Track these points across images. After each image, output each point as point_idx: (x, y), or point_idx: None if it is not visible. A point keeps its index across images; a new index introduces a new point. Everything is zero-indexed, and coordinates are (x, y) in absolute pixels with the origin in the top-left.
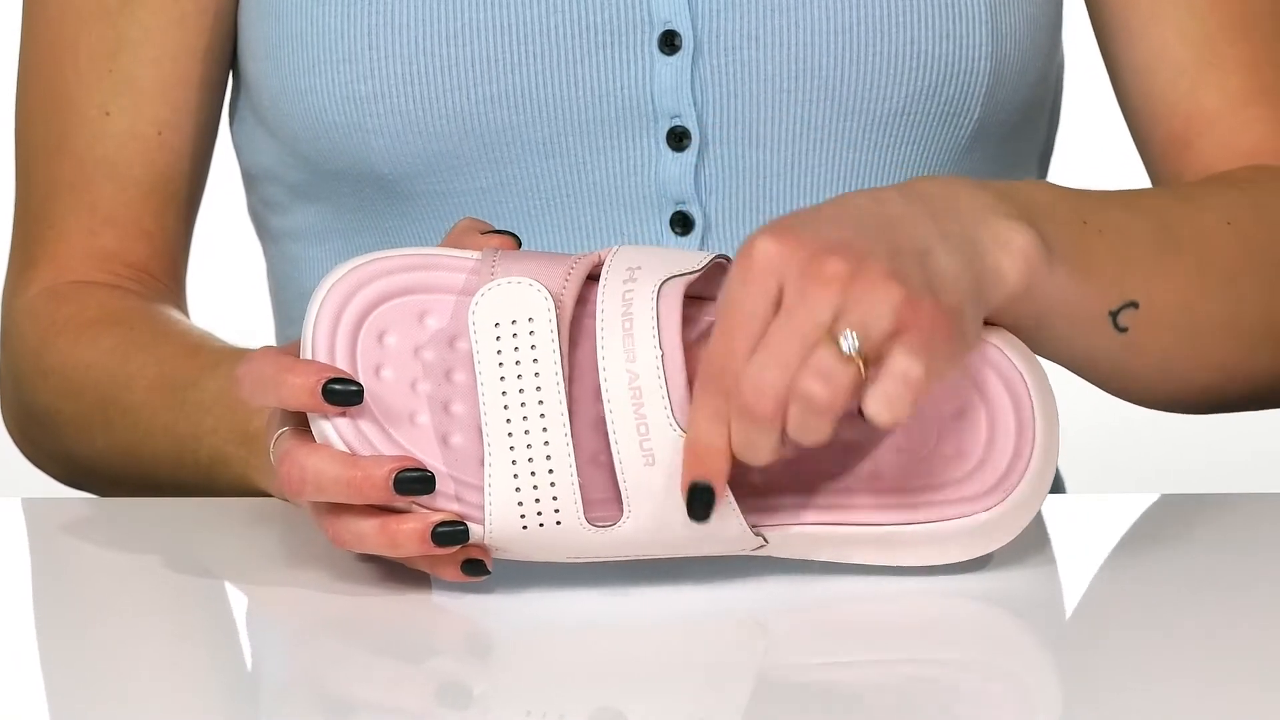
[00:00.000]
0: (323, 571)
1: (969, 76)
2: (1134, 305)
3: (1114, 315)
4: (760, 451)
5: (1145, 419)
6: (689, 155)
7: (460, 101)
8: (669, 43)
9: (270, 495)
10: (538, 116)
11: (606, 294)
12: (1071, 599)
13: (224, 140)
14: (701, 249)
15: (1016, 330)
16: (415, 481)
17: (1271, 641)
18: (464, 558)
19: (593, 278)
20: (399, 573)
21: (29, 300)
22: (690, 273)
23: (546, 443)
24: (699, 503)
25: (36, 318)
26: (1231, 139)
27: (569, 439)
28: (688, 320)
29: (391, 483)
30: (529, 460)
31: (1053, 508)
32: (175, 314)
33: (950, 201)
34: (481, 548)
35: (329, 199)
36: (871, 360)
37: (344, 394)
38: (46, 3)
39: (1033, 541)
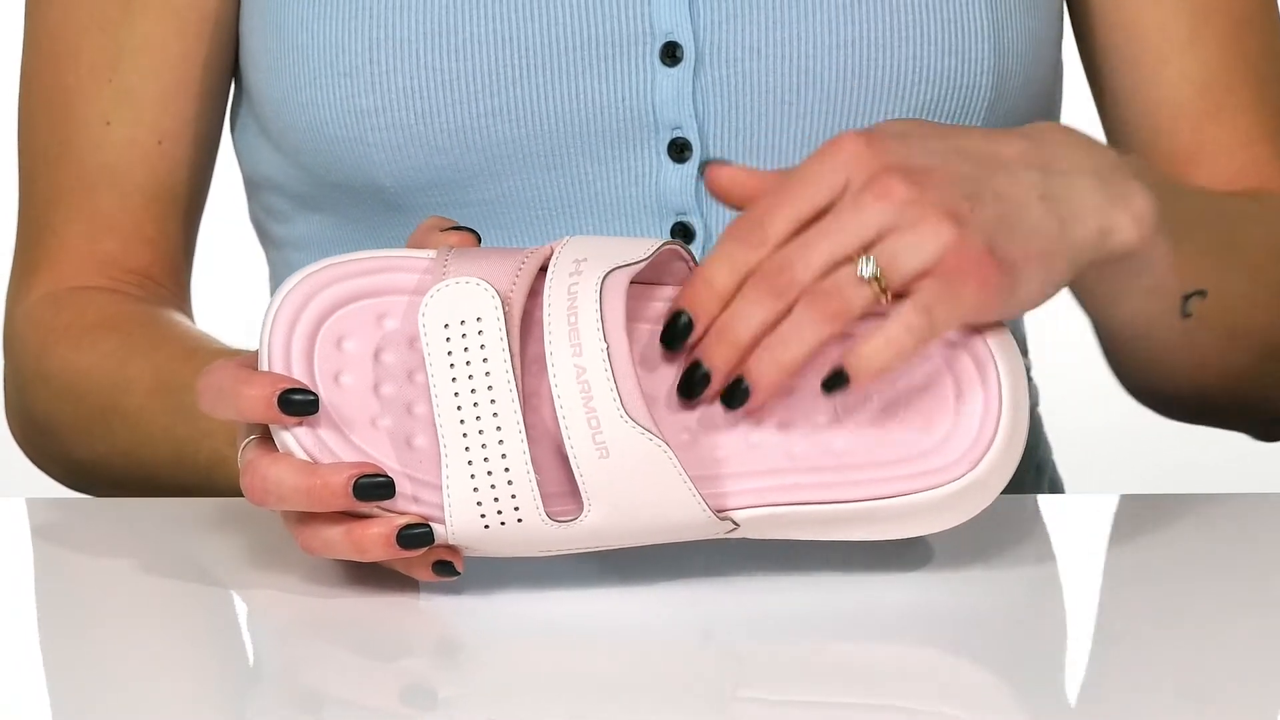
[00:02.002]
0: (323, 571)
1: (971, 90)
2: (1203, 294)
3: (1186, 299)
4: (748, 323)
5: (1145, 419)
6: (690, 167)
7: (462, 115)
8: (670, 54)
9: None
10: (539, 129)
11: (552, 288)
12: (1070, 599)
13: (226, 146)
14: (703, 259)
15: (1095, 292)
16: (375, 487)
17: (1272, 641)
18: (434, 559)
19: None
20: (393, 573)
21: (30, 306)
22: (635, 263)
23: (501, 442)
24: (693, 379)
25: (37, 323)
26: (1238, 175)
27: (524, 440)
28: (637, 308)
29: (351, 489)
30: (485, 460)
31: (1053, 508)
32: (176, 317)
33: (1074, 153)
34: (450, 548)
35: (331, 209)
36: (896, 293)
37: (300, 404)
38: (48, 11)
39: (1032, 541)
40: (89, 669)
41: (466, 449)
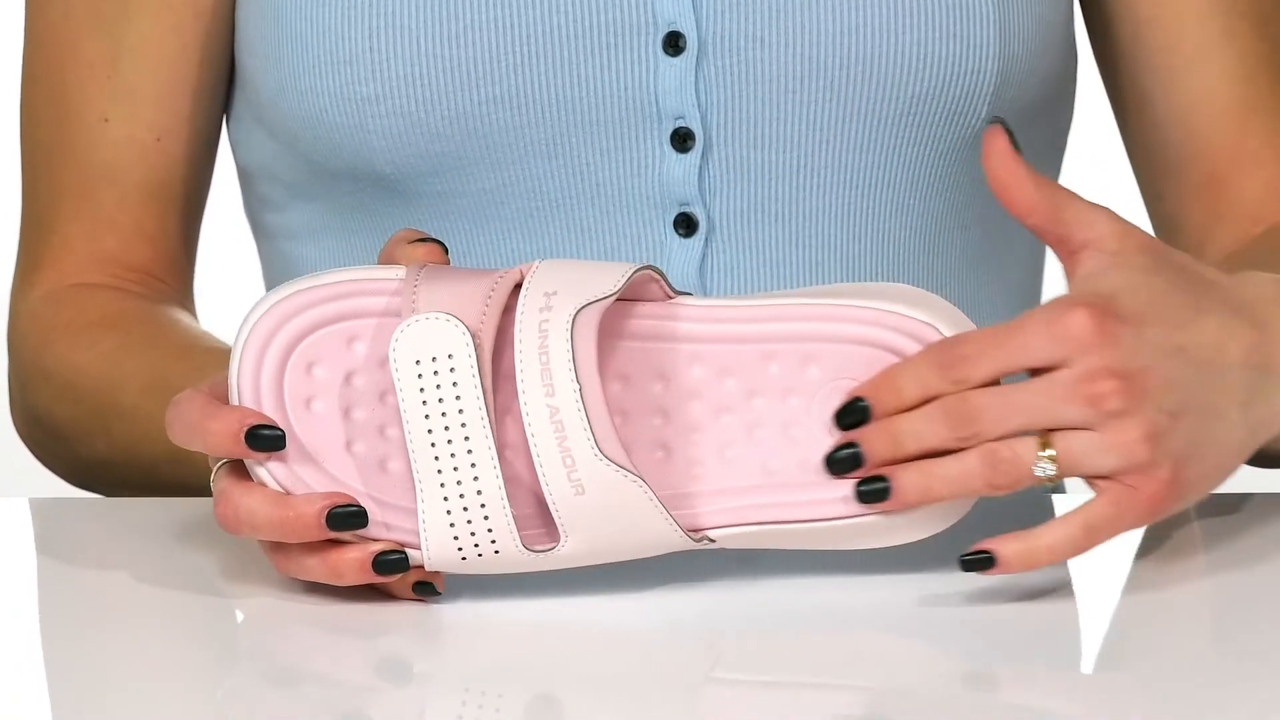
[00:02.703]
0: None
1: (976, 77)
2: None
3: None
4: (918, 439)
5: None
6: (693, 156)
7: (462, 103)
8: (673, 44)
9: None
10: (540, 118)
11: (523, 325)
12: (1069, 599)
13: (221, 139)
14: (705, 250)
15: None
16: (348, 516)
17: (1272, 642)
18: (415, 580)
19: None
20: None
21: (32, 303)
22: (605, 297)
23: (476, 478)
24: (841, 457)
25: (39, 321)
26: (1275, 181)
27: (499, 476)
28: (613, 325)
29: (324, 520)
30: (460, 497)
31: (1053, 507)
32: (176, 314)
33: (1272, 337)
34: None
35: (326, 197)
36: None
37: (267, 439)
38: (47, 10)
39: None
40: (90, 669)
41: (441, 485)
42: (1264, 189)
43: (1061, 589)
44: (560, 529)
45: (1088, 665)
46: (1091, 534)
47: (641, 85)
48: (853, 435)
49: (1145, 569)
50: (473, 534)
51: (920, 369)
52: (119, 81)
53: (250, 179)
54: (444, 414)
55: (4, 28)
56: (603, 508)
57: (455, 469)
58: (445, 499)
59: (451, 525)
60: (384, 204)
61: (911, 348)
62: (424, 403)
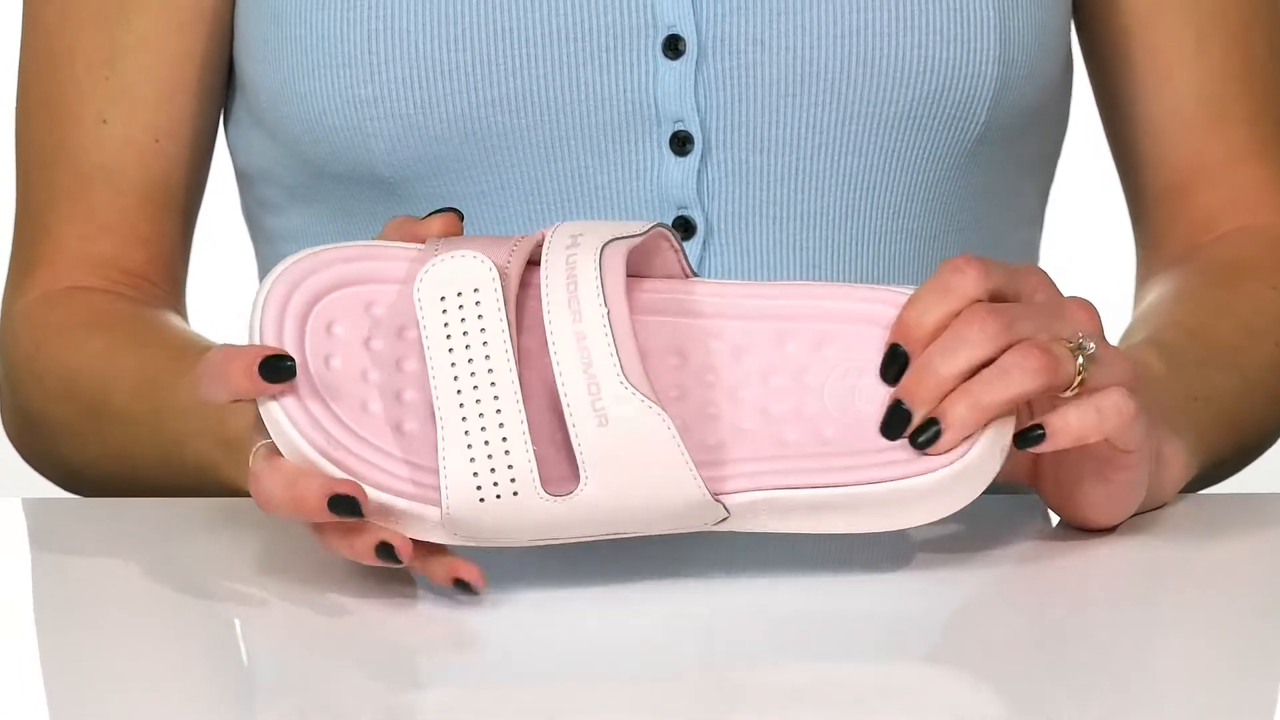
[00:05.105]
0: (320, 572)
1: (975, 81)
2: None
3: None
4: (953, 360)
5: None
6: (691, 160)
7: (461, 105)
8: (673, 47)
9: None
10: (539, 120)
11: (550, 260)
12: (1068, 599)
13: (219, 142)
14: (703, 253)
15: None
16: (346, 502)
17: (1270, 642)
18: (454, 574)
19: (534, 261)
20: (391, 574)
21: (25, 305)
22: (632, 236)
23: (499, 411)
24: (894, 419)
25: (31, 323)
26: (1233, 194)
27: (521, 408)
28: (630, 289)
29: (325, 504)
30: (482, 430)
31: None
32: (166, 317)
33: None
34: (470, 566)
35: (325, 200)
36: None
37: (280, 369)
38: (45, 10)
39: (1031, 541)
40: (85, 669)
41: (464, 419)
42: (1222, 200)
43: (1062, 588)
44: (581, 469)
45: (1088, 665)
46: (1121, 413)
47: (641, 88)
48: (897, 391)
49: (1146, 569)
50: (492, 470)
51: (928, 298)
52: (116, 82)
53: (249, 182)
54: (468, 347)
55: (3, 29)
56: (625, 441)
57: (478, 402)
58: (467, 433)
59: (472, 460)
60: (383, 206)
61: None
62: (448, 337)
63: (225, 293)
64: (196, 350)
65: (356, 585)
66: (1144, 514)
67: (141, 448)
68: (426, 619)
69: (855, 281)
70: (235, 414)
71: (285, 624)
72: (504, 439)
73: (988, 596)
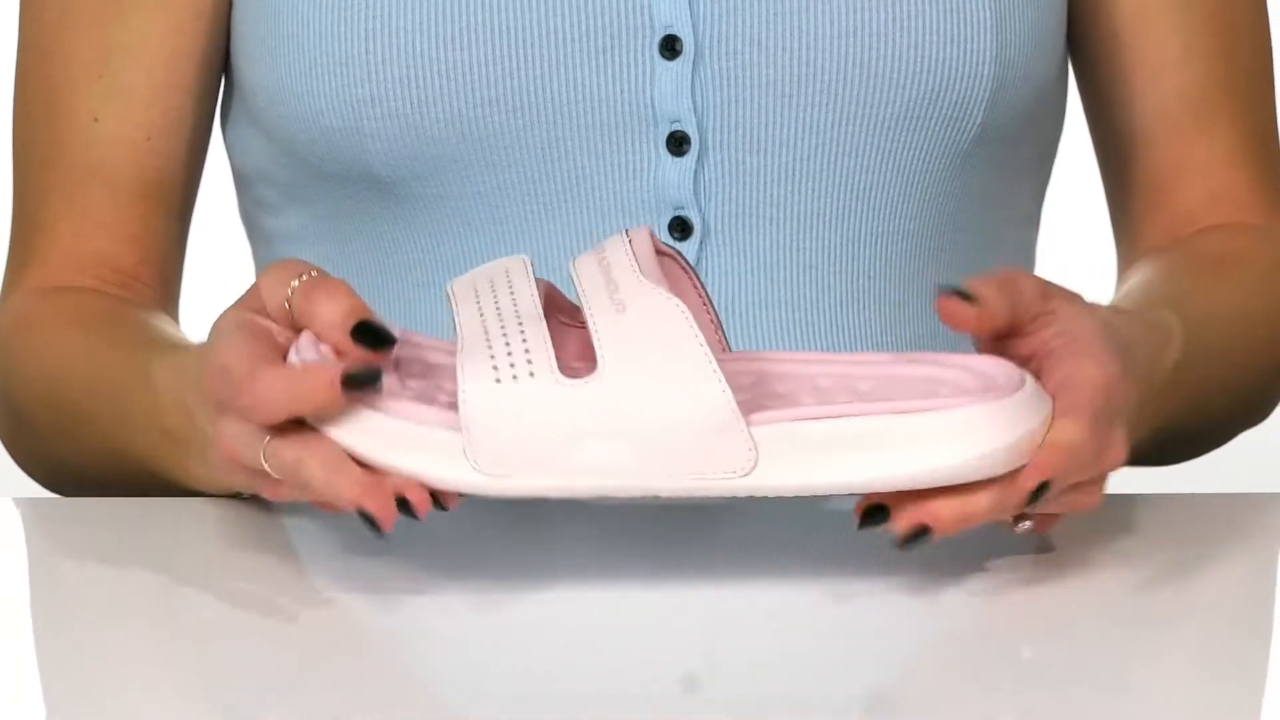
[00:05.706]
0: (316, 571)
1: (972, 82)
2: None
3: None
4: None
5: None
6: (688, 160)
7: (458, 105)
8: (670, 47)
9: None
10: (536, 120)
11: (581, 259)
12: (1069, 599)
13: (216, 143)
14: (700, 254)
15: None
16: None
17: (1269, 643)
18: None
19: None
20: (390, 572)
21: (16, 303)
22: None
23: (512, 293)
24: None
25: (20, 321)
26: (1215, 194)
27: (535, 294)
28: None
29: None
30: (496, 307)
31: None
32: (148, 318)
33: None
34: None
35: (323, 200)
36: None
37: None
38: (42, 8)
39: (1030, 541)
40: (81, 669)
41: (478, 301)
42: (1203, 199)
43: (1060, 591)
44: (599, 357)
45: (1086, 665)
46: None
47: (638, 89)
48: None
49: (1145, 568)
50: (507, 345)
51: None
52: (110, 80)
53: (246, 182)
54: (494, 291)
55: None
56: (642, 327)
57: (493, 287)
58: (482, 315)
59: (486, 333)
60: (380, 206)
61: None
62: (477, 298)
63: (223, 293)
64: (159, 346)
65: (354, 585)
66: (1141, 515)
67: (111, 450)
68: (426, 619)
69: (855, 283)
70: (172, 406)
71: (283, 624)
72: (521, 327)
73: (985, 594)
